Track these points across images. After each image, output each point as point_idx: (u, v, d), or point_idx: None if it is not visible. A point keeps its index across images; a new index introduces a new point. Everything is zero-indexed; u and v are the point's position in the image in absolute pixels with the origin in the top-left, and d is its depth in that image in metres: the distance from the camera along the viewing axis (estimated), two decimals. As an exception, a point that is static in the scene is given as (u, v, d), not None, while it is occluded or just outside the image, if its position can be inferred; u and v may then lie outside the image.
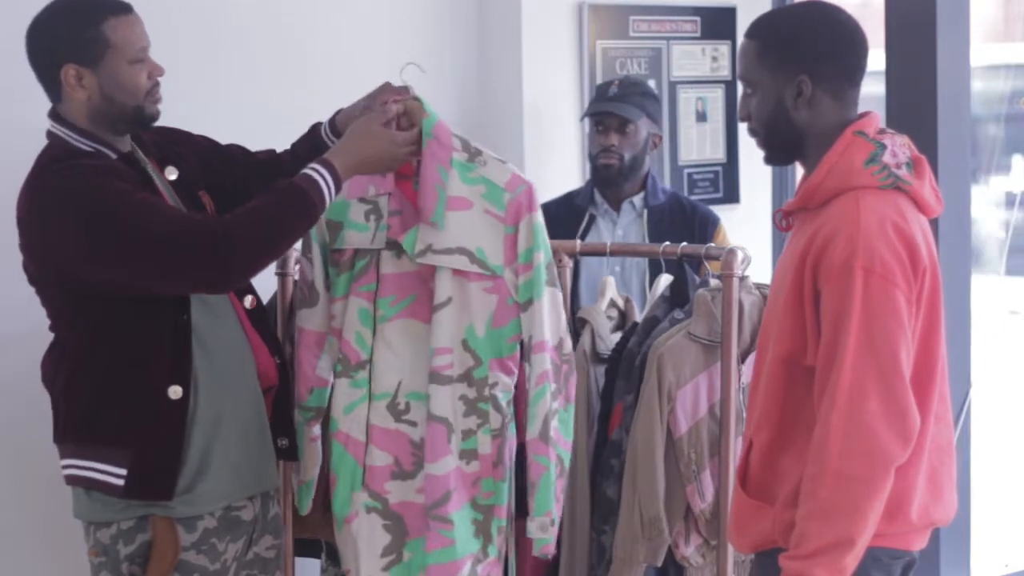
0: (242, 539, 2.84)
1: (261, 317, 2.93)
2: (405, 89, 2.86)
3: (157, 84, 2.76)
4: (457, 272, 2.81)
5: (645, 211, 3.83)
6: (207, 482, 2.75)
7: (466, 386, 2.84)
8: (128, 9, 2.73)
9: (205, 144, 3.01)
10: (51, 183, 2.67)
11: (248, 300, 2.90)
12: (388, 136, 2.77)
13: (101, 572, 2.77)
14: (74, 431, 2.75)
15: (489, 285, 2.82)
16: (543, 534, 2.86)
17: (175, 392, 2.68)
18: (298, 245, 2.94)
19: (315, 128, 3.02)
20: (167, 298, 2.71)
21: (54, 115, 2.76)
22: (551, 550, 2.88)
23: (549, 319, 2.83)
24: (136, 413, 2.69)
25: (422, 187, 2.80)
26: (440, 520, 2.83)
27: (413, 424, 2.87)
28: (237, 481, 2.81)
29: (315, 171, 2.69)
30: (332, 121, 2.98)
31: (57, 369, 2.77)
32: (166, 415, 2.68)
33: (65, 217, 2.63)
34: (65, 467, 2.77)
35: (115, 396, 2.70)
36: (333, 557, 3.36)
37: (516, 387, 2.91)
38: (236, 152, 3.04)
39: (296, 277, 3.05)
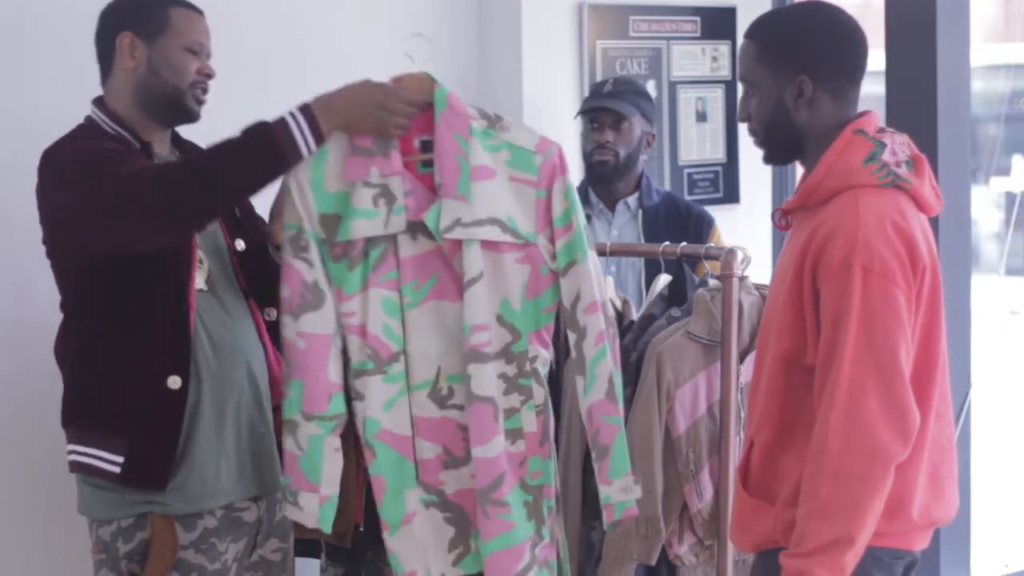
0: (244, 540, 2.83)
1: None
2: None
3: (205, 82, 2.79)
4: (487, 245, 2.71)
5: (640, 211, 3.83)
6: (207, 477, 2.75)
7: (504, 363, 2.74)
8: (199, 10, 2.81)
9: None
10: (56, 147, 2.73)
11: (270, 312, 2.89)
12: (384, 91, 2.68)
13: (102, 569, 2.78)
14: (76, 416, 2.77)
15: (521, 255, 2.74)
16: (625, 496, 2.79)
17: (174, 382, 2.68)
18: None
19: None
20: (168, 287, 2.70)
21: (97, 102, 2.81)
22: (635, 512, 2.81)
23: (596, 280, 2.77)
24: (135, 401, 2.70)
25: (440, 160, 2.69)
26: (496, 504, 2.73)
27: (460, 408, 2.77)
28: (239, 481, 2.80)
29: (289, 113, 2.63)
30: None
31: (65, 351, 2.80)
32: (164, 405, 2.68)
33: (57, 169, 2.69)
34: (69, 453, 2.78)
35: (115, 383, 2.71)
36: (333, 557, 3.36)
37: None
38: None
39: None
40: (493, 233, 2.71)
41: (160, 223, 2.62)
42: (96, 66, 2.85)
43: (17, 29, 3.47)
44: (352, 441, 3.11)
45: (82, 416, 2.76)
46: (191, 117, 2.81)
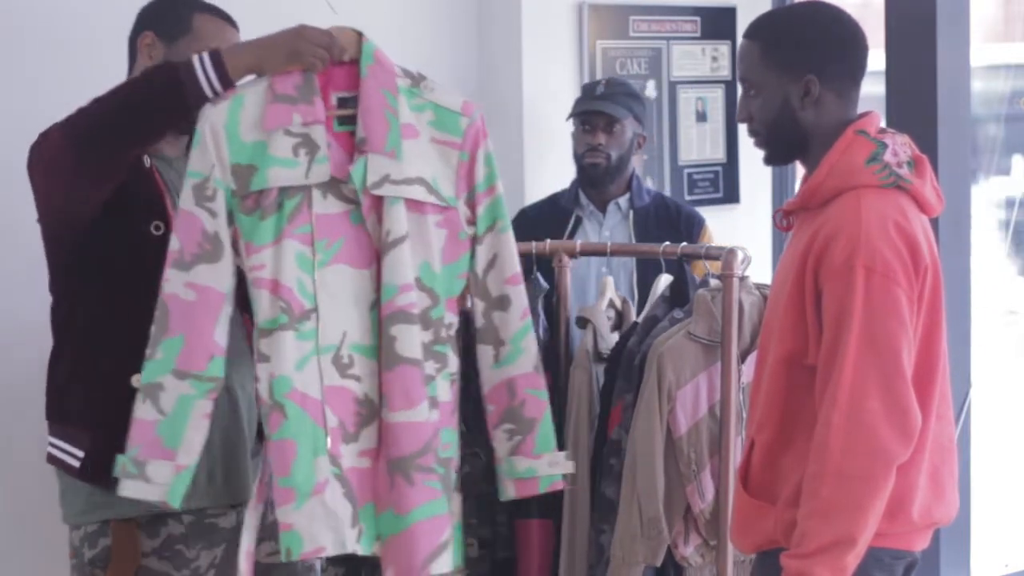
0: (221, 546, 2.80)
1: None
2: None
3: None
4: (412, 205, 2.60)
5: (631, 212, 3.83)
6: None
7: (421, 328, 2.62)
8: (230, 21, 2.78)
9: None
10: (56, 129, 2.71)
11: None
12: (298, 26, 2.61)
13: (74, 574, 2.77)
14: (50, 407, 2.79)
15: (441, 218, 2.64)
16: (553, 469, 2.73)
17: (138, 381, 2.62)
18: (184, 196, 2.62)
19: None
20: (145, 287, 2.64)
21: None
22: (561, 485, 2.76)
23: (515, 251, 2.70)
24: (98, 397, 2.69)
25: (366, 114, 2.58)
26: (424, 471, 2.60)
27: (358, 379, 2.62)
28: (208, 487, 2.76)
29: (197, 55, 2.57)
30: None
31: (55, 346, 2.81)
32: (126, 403, 2.61)
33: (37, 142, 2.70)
34: (48, 445, 2.79)
35: (81, 378, 2.72)
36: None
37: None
38: None
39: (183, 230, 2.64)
40: (419, 193, 2.60)
41: (81, 174, 2.60)
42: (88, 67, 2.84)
43: (17, 29, 3.47)
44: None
45: (54, 408, 2.77)
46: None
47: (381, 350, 2.61)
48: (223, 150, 2.58)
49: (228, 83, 2.56)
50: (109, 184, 2.64)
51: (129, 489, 2.57)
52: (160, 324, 2.58)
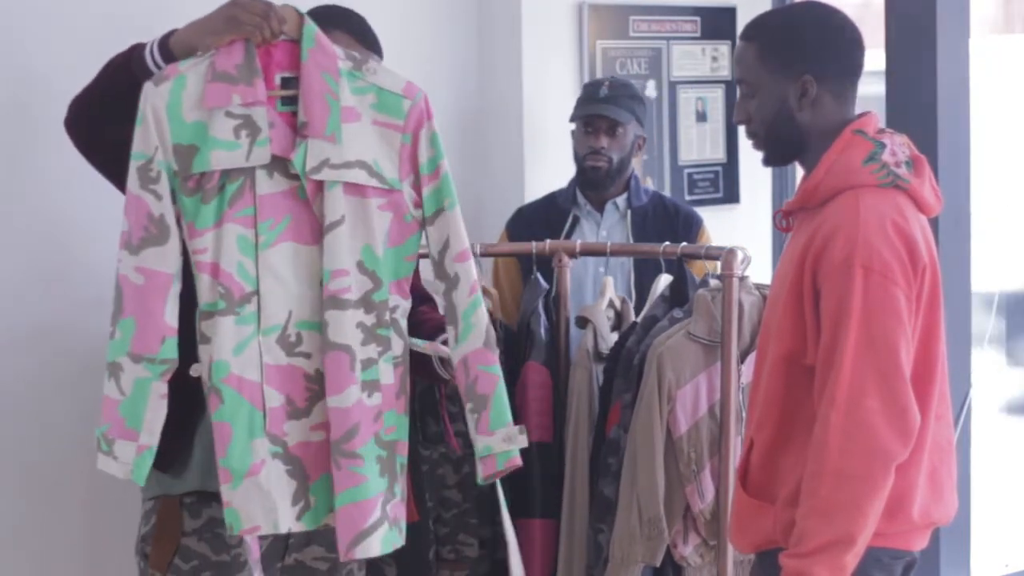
0: (268, 540, 2.80)
1: None
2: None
3: None
4: (351, 189, 2.58)
5: (628, 212, 3.83)
6: (212, 462, 2.73)
7: (363, 312, 2.60)
8: (333, 23, 2.79)
9: None
10: None
11: None
12: (237, 6, 2.56)
13: (136, 550, 2.83)
14: None
15: (384, 201, 2.61)
16: (508, 445, 2.64)
17: (196, 370, 2.67)
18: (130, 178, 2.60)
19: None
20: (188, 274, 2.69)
21: None
22: (519, 461, 2.65)
23: (463, 227, 2.66)
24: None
25: (306, 97, 2.56)
26: (349, 456, 2.58)
27: (307, 356, 2.61)
28: None
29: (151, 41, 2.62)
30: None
31: None
32: (184, 392, 2.66)
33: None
34: None
35: None
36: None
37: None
38: None
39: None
40: (360, 176, 2.58)
41: (75, 144, 2.71)
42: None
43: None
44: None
45: None
46: None
47: (321, 332, 2.62)
48: (164, 131, 2.57)
49: (170, 58, 2.57)
50: (97, 158, 2.72)
51: (102, 464, 2.61)
52: (116, 304, 2.60)
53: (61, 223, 3.43)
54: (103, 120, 2.68)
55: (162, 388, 2.60)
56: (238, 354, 2.59)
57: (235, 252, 2.58)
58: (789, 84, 2.42)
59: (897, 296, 2.27)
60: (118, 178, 2.65)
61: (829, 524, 2.26)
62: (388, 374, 2.63)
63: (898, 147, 2.40)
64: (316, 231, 2.60)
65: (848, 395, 2.26)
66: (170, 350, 2.60)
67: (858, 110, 2.48)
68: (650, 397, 3.05)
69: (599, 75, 4.30)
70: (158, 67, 2.57)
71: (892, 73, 4.02)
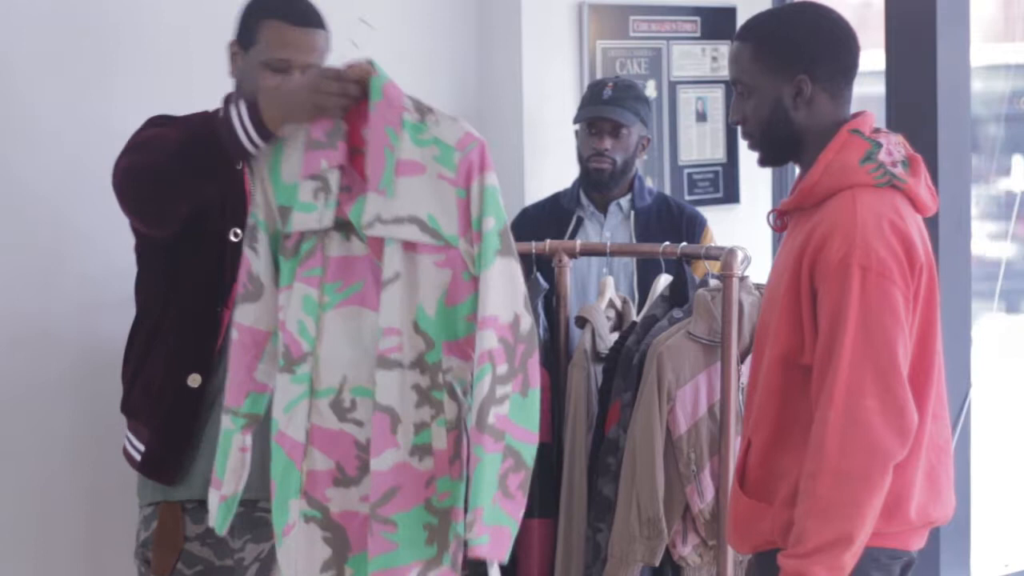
0: (268, 542, 2.81)
1: None
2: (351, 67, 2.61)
3: None
4: (407, 245, 2.51)
5: (632, 212, 3.83)
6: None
7: (418, 373, 2.52)
8: (299, 22, 2.73)
9: None
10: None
11: None
12: (315, 74, 2.57)
13: (135, 556, 2.87)
14: (122, 402, 2.89)
15: (441, 258, 2.51)
16: (468, 533, 2.46)
17: (194, 380, 2.72)
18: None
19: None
20: (210, 291, 2.78)
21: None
22: (478, 553, 2.47)
23: (499, 292, 2.49)
24: (158, 395, 2.78)
25: (370, 152, 2.52)
26: (382, 521, 2.52)
27: (359, 424, 2.57)
28: (260, 479, 2.75)
29: (236, 108, 2.56)
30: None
31: (128, 338, 2.92)
32: (183, 402, 2.74)
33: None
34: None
35: (145, 375, 2.81)
36: None
37: None
38: None
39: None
40: (411, 233, 2.51)
41: (139, 219, 2.72)
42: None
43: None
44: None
45: (124, 403, 2.88)
46: None
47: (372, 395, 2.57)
48: (269, 193, 2.61)
49: (266, 136, 2.56)
50: (164, 228, 2.72)
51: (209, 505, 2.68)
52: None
53: (58, 225, 3.43)
54: (185, 197, 2.67)
55: (243, 442, 2.65)
56: (287, 412, 2.59)
57: (299, 311, 2.58)
58: (784, 84, 2.42)
59: (895, 296, 2.27)
60: (177, 245, 2.73)
61: (827, 524, 2.26)
62: (441, 438, 2.55)
63: (894, 147, 2.40)
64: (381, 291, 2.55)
65: (846, 395, 2.26)
66: (254, 405, 2.64)
67: (857, 110, 2.48)
68: (650, 397, 3.05)
69: (599, 75, 4.30)
70: (253, 142, 2.55)
71: (892, 73, 4.02)
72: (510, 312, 2.50)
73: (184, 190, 2.65)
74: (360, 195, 2.53)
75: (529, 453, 2.51)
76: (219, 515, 2.65)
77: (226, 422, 2.65)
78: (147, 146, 2.69)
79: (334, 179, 2.55)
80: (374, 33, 4.09)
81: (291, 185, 2.58)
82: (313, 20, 2.77)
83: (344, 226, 2.56)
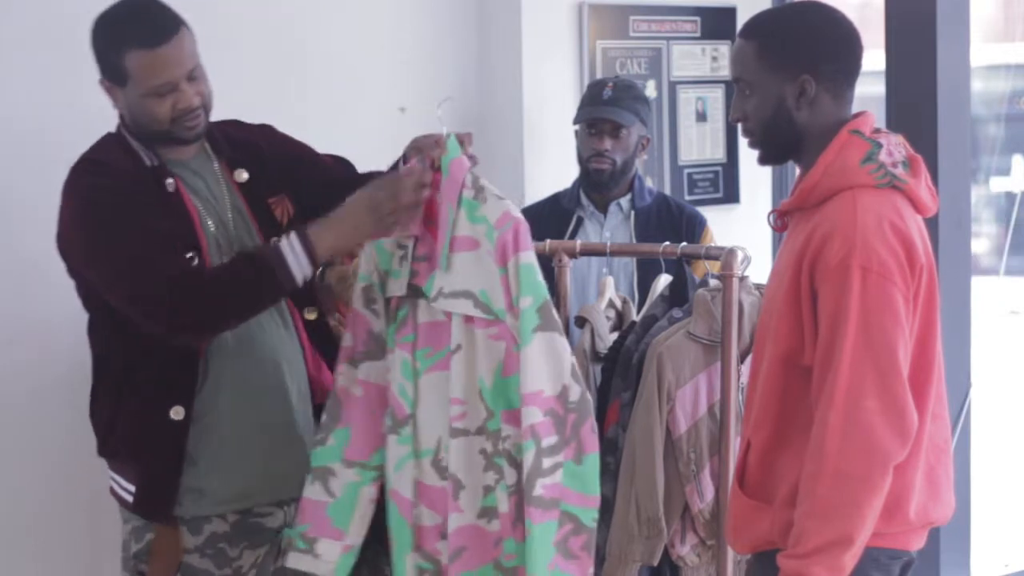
0: (264, 547, 2.81)
1: (324, 332, 2.90)
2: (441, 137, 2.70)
3: (187, 114, 2.68)
4: (466, 318, 2.65)
5: (632, 212, 3.83)
6: (217, 484, 2.74)
7: (484, 439, 2.67)
8: (156, 42, 2.63)
9: (294, 151, 2.95)
10: (72, 185, 2.70)
11: (308, 312, 2.87)
12: (376, 195, 2.64)
13: (122, 568, 2.82)
14: (100, 444, 2.81)
15: (494, 332, 2.65)
16: None
17: (177, 413, 2.68)
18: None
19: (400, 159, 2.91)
20: None
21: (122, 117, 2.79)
22: None
23: (541, 367, 2.61)
24: (141, 432, 2.72)
25: (438, 229, 2.67)
26: None
27: None
28: (259, 485, 2.78)
29: (288, 244, 2.61)
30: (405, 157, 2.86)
31: (92, 374, 2.82)
32: (168, 436, 2.70)
33: (72, 217, 2.68)
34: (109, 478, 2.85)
35: (124, 416, 2.74)
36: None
37: None
38: (332, 164, 2.99)
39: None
40: (465, 307, 2.65)
41: (175, 332, 2.64)
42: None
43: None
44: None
45: (103, 445, 2.81)
46: (189, 142, 2.76)
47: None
48: (373, 257, 2.77)
49: (317, 267, 2.67)
50: (177, 342, 2.70)
51: (296, 561, 2.76)
52: (331, 414, 2.79)
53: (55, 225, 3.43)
54: (233, 324, 2.70)
55: (372, 493, 2.78)
56: (397, 471, 2.74)
57: (399, 375, 2.74)
58: (787, 83, 2.42)
59: (895, 296, 2.27)
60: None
61: (827, 524, 2.25)
62: (504, 502, 2.67)
63: (894, 147, 2.40)
64: None
65: (846, 395, 2.26)
66: (380, 458, 2.78)
67: (857, 110, 2.48)
68: (649, 397, 3.05)
69: (599, 75, 4.30)
70: (304, 275, 2.63)
71: (892, 73, 4.02)
72: (556, 384, 2.61)
73: (237, 319, 2.69)
74: (431, 270, 2.68)
75: (588, 516, 2.64)
76: (341, 564, 2.77)
77: (351, 475, 2.77)
78: (185, 289, 2.63)
79: (411, 248, 2.72)
80: (375, 33, 4.10)
81: (388, 252, 2.75)
82: (168, 28, 2.66)
83: (421, 293, 2.71)
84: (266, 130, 2.96)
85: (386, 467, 2.76)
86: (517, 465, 2.65)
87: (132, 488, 2.74)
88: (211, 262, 2.71)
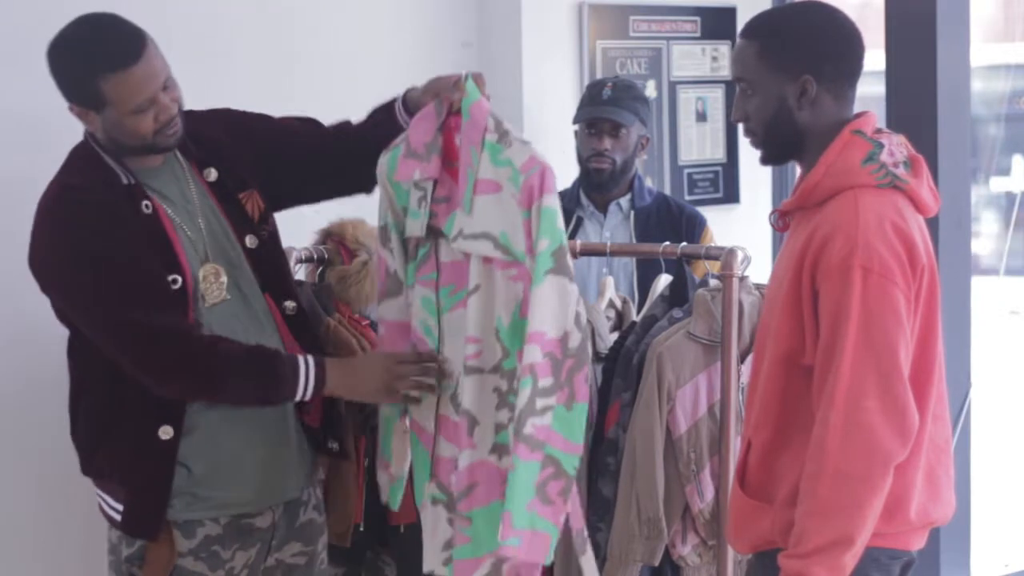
0: (255, 547, 2.80)
1: (303, 323, 2.89)
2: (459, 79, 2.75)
3: (168, 123, 2.66)
4: (485, 259, 2.68)
5: (632, 212, 3.83)
6: (212, 492, 2.73)
7: (499, 377, 2.69)
8: (129, 61, 2.60)
9: (259, 134, 2.91)
10: (50, 216, 2.68)
11: (288, 306, 2.85)
12: (387, 365, 2.75)
13: (110, 570, 2.80)
14: (84, 464, 2.79)
15: (514, 273, 2.66)
16: (500, 534, 2.61)
17: (165, 432, 2.66)
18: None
19: (392, 99, 2.92)
20: None
21: (89, 134, 2.76)
22: (507, 554, 2.60)
23: (547, 309, 2.60)
24: (128, 453, 2.70)
25: (459, 171, 2.70)
26: (461, 517, 2.73)
27: None
28: (253, 491, 2.77)
29: (306, 368, 2.69)
30: (405, 98, 2.89)
31: (71, 393, 2.80)
32: (157, 456, 2.67)
33: (59, 261, 2.67)
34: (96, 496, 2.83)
35: (110, 437, 2.71)
36: (333, 557, 3.32)
37: None
38: (299, 128, 2.96)
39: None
40: (485, 248, 2.66)
41: (166, 388, 2.66)
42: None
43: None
44: (353, 441, 3.11)
45: (88, 465, 2.78)
46: (169, 149, 2.74)
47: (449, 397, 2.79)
48: (391, 195, 2.81)
49: (319, 395, 2.75)
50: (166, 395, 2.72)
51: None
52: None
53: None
54: (221, 401, 2.74)
55: (403, 426, 2.89)
56: (419, 404, 2.83)
57: (420, 311, 2.81)
58: (789, 84, 2.41)
59: (896, 297, 2.27)
60: None
61: (828, 524, 2.25)
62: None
63: (896, 147, 2.40)
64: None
65: (847, 395, 2.26)
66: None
67: (857, 110, 2.48)
68: (650, 397, 3.05)
69: (599, 75, 4.30)
70: (304, 397, 2.72)
71: (892, 73, 4.02)
72: (559, 329, 2.61)
73: (228, 401, 2.74)
74: (451, 211, 2.72)
75: (570, 463, 2.62)
76: (392, 493, 2.94)
77: (385, 410, 2.91)
78: (190, 372, 2.66)
79: (429, 190, 2.75)
80: (375, 33, 4.10)
81: (404, 189, 2.78)
82: (138, 44, 2.62)
83: (440, 233, 2.76)
84: (223, 117, 2.91)
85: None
86: None
87: (120, 508, 2.72)
88: (192, 277, 2.69)
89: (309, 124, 2.97)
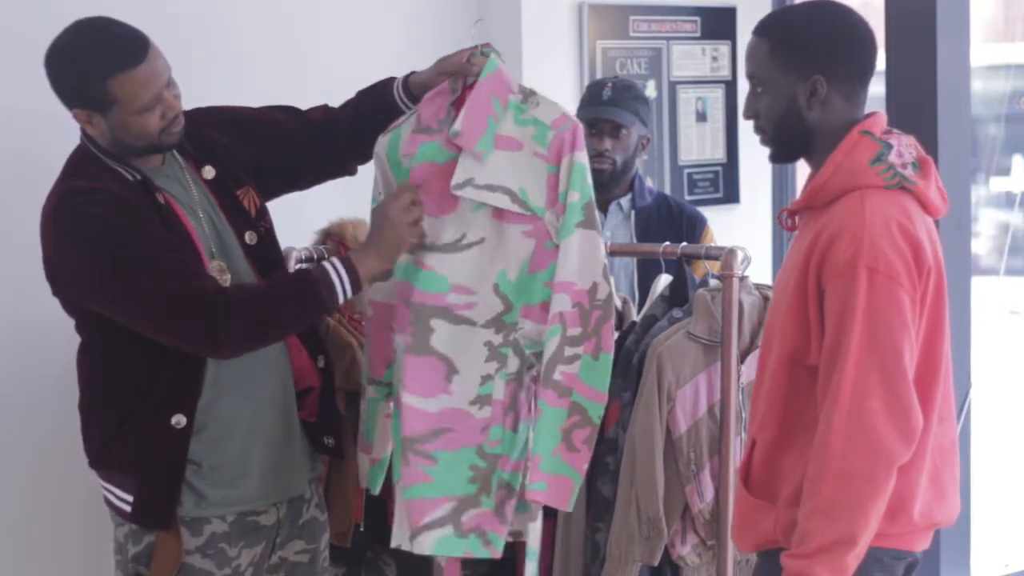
0: (261, 544, 2.81)
1: None
2: (470, 51, 2.80)
3: (172, 122, 2.69)
4: (496, 212, 2.74)
5: (632, 212, 3.83)
6: (220, 489, 2.74)
7: (493, 332, 2.76)
8: (136, 60, 2.63)
9: (249, 129, 2.94)
10: (69, 217, 2.66)
11: None
12: (391, 214, 2.74)
13: (117, 570, 2.80)
14: (92, 456, 2.79)
15: (528, 228, 2.74)
16: (526, 479, 2.75)
17: (178, 421, 2.68)
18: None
19: (386, 83, 2.95)
20: None
21: (86, 136, 2.75)
22: (535, 498, 2.75)
23: (578, 260, 2.73)
24: (140, 442, 2.70)
25: (470, 112, 2.71)
26: (422, 456, 2.76)
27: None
28: (260, 487, 2.79)
29: (335, 271, 2.69)
30: (406, 81, 2.91)
31: (82, 392, 2.80)
32: (169, 445, 2.68)
33: (80, 256, 2.65)
34: (101, 488, 2.82)
35: (121, 428, 2.72)
36: (334, 557, 3.33)
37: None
38: (284, 118, 2.98)
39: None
40: (502, 201, 2.72)
41: (211, 347, 2.66)
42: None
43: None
44: (351, 440, 3.11)
45: (96, 457, 2.78)
46: (172, 147, 2.76)
47: (414, 336, 2.79)
48: (388, 174, 2.84)
49: (359, 289, 2.74)
50: (219, 357, 2.74)
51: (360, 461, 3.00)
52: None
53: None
54: (274, 339, 2.78)
55: (387, 409, 2.91)
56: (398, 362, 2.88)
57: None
58: (799, 83, 2.41)
59: (901, 298, 2.27)
60: None
61: (831, 524, 2.25)
62: (500, 390, 2.76)
63: (905, 148, 2.40)
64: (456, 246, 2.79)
65: (851, 396, 2.25)
66: (390, 375, 2.89)
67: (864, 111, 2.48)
68: (650, 397, 3.05)
69: (599, 75, 4.30)
70: (347, 297, 2.73)
71: (892, 73, 4.02)
72: (588, 279, 2.73)
73: (287, 333, 2.80)
74: (437, 139, 2.74)
75: (596, 411, 2.75)
76: (372, 476, 2.96)
77: (371, 392, 2.94)
78: (229, 313, 2.64)
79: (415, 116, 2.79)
80: (376, 33, 4.10)
81: (405, 168, 2.81)
82: (140, 44, 2.65)
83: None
84: (213, 115, 2.93)
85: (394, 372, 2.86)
86: (521, 354, 2.76)
87: (130, 498, 2.72)
88: (207, 266, 2.71)
89: (292, 114, 3.01)
